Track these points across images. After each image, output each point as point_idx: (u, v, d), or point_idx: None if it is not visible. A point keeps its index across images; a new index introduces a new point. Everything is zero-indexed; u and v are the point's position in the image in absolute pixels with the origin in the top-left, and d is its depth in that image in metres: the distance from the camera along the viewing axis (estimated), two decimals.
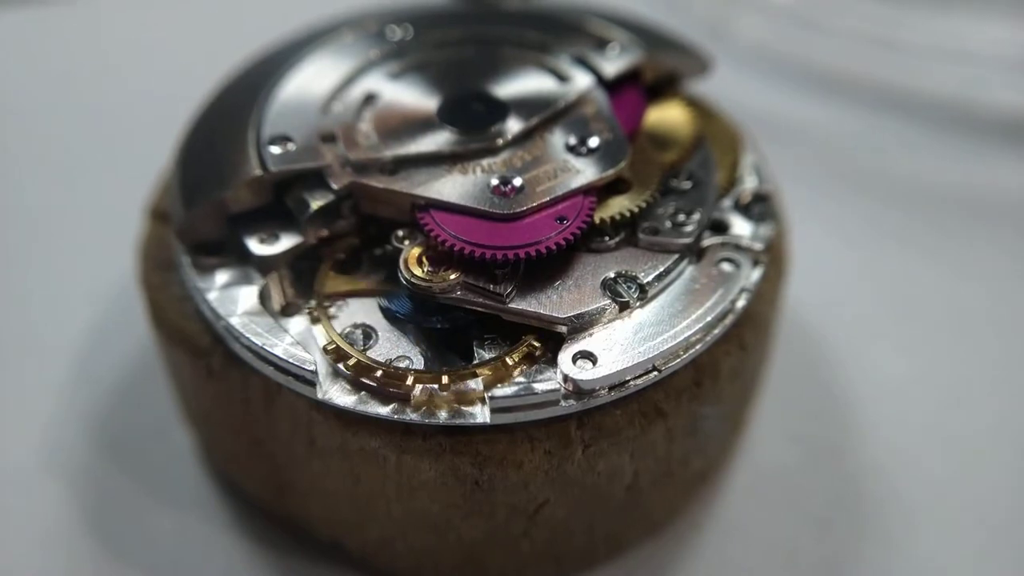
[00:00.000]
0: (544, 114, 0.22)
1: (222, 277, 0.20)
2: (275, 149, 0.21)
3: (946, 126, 0.33)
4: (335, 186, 0.20)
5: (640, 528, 0.22)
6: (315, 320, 0.20)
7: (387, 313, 0.20)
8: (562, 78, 0.23)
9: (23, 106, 0.35)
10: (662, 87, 0.25)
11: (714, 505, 0.24)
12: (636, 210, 0.21)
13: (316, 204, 0.20)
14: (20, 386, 0.26)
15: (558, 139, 0.22)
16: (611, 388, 0.19)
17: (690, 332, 0.19)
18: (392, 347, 0.20)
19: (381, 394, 0.19)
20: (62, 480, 0.24)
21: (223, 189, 0.20)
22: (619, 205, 0.21)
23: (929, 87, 0.34)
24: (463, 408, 0.19)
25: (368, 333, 0.20)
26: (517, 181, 0.21)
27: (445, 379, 0.19)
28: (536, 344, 0.19)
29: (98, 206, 0.30)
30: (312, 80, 0.23)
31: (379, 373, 0.19)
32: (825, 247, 0.29)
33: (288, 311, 0.20)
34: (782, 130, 0.33)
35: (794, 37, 0.36)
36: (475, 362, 0.19)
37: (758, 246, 0.21)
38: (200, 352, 0.20)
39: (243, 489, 0.23)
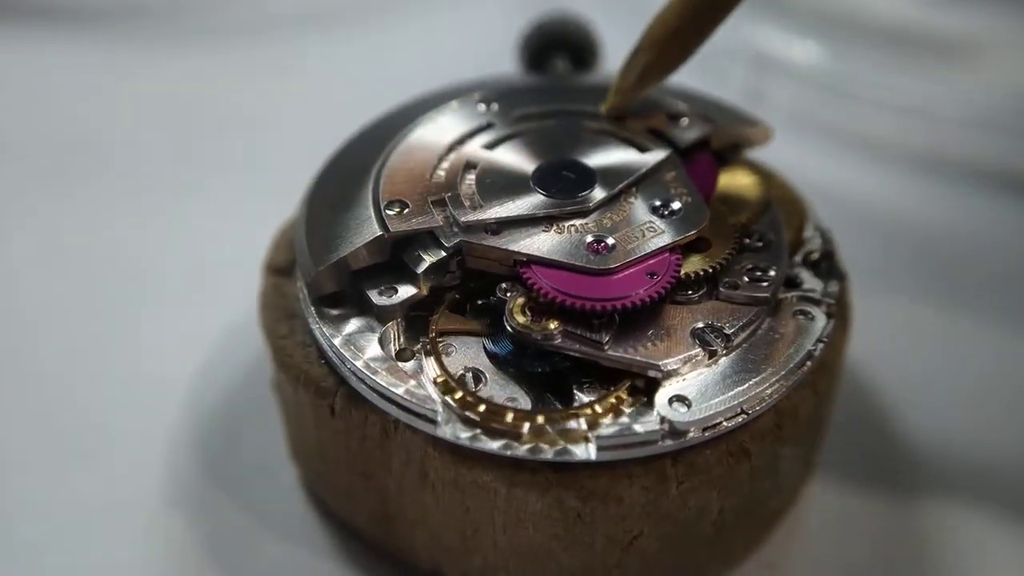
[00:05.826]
0: (628, 180, 0.24)
1: (345, 326, 0.23)
2: (392, 212, 0.23)
3: (993, 190, 0.35)
4: (446, 244, 0.23)
5: (719, 563, 0.24)
6: (429, 354, 0.22)
7: (493, 357, 0.22)
8: (640, 148, 0.26)
9: (150, 159, 0.38)
10: (726, 155, 0.27)
11: (785, 544, 0.25)
12: (717, 267, 0.23)
13: (430, 260, 0.23)
14: (141, 424, 0.28)
15: (642, 202, 0.24)
16: (704, 429, 0.21)
17: (773, 378, 0.21)
18: (500, 389, 0.22)
19: (493, 431, 0.21)
20: (181, 512, 0.26)
21: (349, 249, 0.23)
22: (701, 262, 0.23)
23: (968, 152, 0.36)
24: (568, 446, 0.21)
25: (478, 376, 0.22)
26: (609, 240, 0.23)
27: (553, 419, 0.21)
28: (632, 388, 0.21)
29: (212, 255, 0.33)
30: (420, 148, 0.25)
31: (495, 413, 0.21)
32: (877, 302, 0.30)
33: (404, 356, 0.22)
34: (828, 193, 0.36)
35: (826, 102, 0.38)
36: (578, 403, 0.21)
37: (829, 300, 0.23)
38: (324, 393, 0.22)
39: (347, 520, 0.25)
